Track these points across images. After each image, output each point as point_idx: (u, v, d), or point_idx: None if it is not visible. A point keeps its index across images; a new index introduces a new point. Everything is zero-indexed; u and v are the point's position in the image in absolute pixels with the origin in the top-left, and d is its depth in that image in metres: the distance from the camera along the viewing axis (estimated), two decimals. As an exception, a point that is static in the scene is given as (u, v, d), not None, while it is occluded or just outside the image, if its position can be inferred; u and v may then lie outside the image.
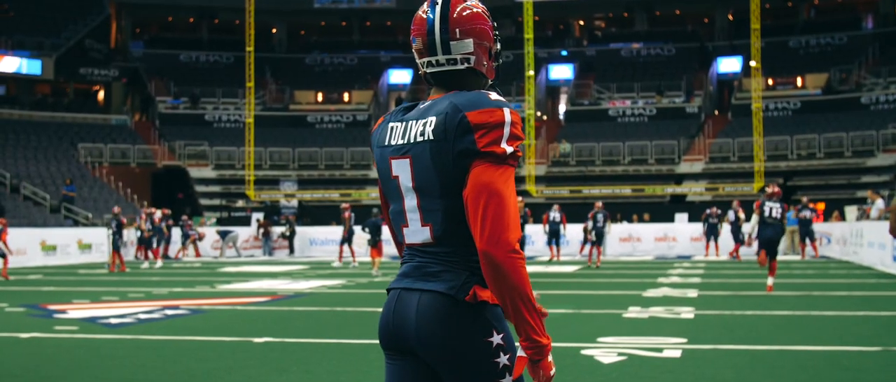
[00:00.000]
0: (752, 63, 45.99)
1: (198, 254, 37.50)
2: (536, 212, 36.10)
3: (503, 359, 3.08)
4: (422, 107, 3.22)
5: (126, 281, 22.57)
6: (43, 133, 47.21)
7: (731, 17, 57.62)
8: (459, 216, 3.08)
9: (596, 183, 46.10)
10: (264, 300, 16.99)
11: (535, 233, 34.63)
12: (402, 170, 3.18)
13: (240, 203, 46.65)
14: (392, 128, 3.25)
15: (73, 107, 52.09)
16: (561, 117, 56.78)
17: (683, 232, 36.36)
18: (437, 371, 3.15)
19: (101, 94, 55.20)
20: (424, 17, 3.24)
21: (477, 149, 3.00)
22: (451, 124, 3.03)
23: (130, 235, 34.42)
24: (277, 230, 39.44)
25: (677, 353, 9.58)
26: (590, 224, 28.08)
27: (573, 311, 14.06)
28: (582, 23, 62.37)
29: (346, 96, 56.40)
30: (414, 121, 3.17)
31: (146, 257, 31.42)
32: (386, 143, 3.24)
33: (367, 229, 25.00)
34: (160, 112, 52.91)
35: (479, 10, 3.25)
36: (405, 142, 3.17)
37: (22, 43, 49.27)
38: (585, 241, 32.80)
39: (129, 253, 34.52)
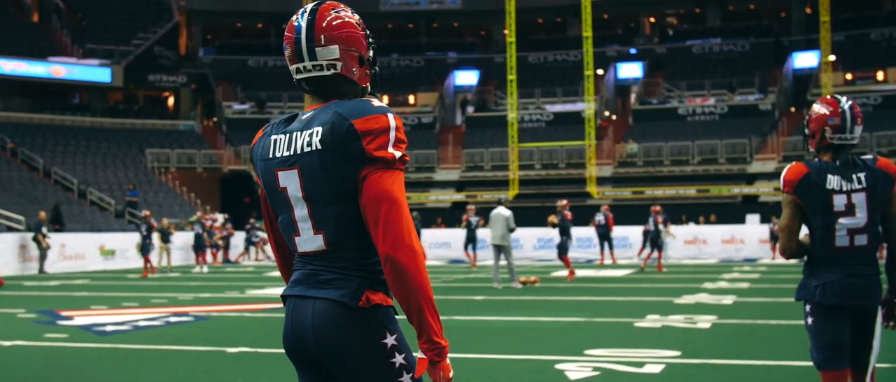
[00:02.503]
0: (832, 57, 44.49)
1: (257, 259, 37.49)
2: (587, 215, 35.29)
3: (399, 359, 3.19)
4: (303, 118, 3.29)
5: (160, 286, 22.46)
6: (112, 139, 47.75)
7: (808, 10, 55.96)
8: (351, 222, 3.18)
9: (663, 183, 45.09)
10: (279, 305, 16.62)
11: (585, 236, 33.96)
12: (289, 181, 3.25)
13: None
14: (275, 140, 3.31)
15: (142, 113, 52.63)
16: (629, 117, 55.68)
17: (752, 233, 35.20)
18: (338, 377, 3.24)
19: (170, 101, 55.71)
20: (295, 24, 3.33)
21: (366, 155, 3.11)
22: (339, 132, 3.13)
23: (185, 238, 34.46)
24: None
25: (658, 369, 8.98)
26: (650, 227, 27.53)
27: (584, 320, 13.50)
28: (653, 20, 61.27)
29: (411, 98, 56.12)
30: (298, 133, 3.24)
31: (197, 261, 31.40)
32: (270, 156, 3.30)
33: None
34: (227, 117, 53.18)
35: (349, 19, 3.34)
36: (291, 153, 3.23)
37: (93, 51, 49.91)
38: (644, 245, 32.12)
39: (178, 256, 34.56)
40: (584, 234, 35.13)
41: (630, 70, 56.69)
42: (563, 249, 23.01)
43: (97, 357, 10.65)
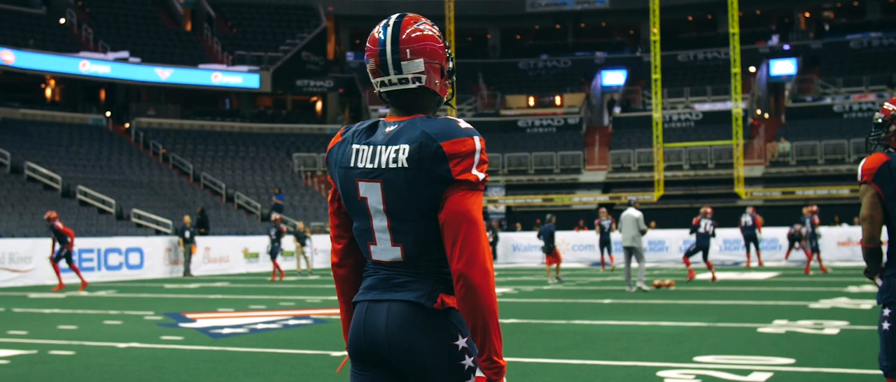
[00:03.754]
0: None
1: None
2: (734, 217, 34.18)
3: (468, 361, 3.25)
4: (388, 130, 3.32)
5: (293, 288, 22.64)
6: (260, 144, 48.72)
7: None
8: (430, 238, 3.25)
9: (816, 183, 43.39)
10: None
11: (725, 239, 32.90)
12: (371, 192, 3.29)
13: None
14: (358, 150, 3.34)
15: (290, 118, 53.57)
16: (782, 115, 53.85)
17: (911, 234, 33.49)
18: (407, 376, 3.29)
19: (318, 105, 56.55)
20: (378, 37, 3.36)
21: (452, 177, 3.17)
22: (426, 153, 3.19)
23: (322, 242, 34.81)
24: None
25: (764, 377, 8.43)
26: (803, 229, 26.60)
27: (706, 324, 12.92)
28: (808, 14, 59.16)
29: (557, 99, 55.57)
30: (383, 147, 3.28)
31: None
32: (352, 165, 3.34)
33: (541, 236, 24.16)
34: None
35: (431, 32, 3.39)
36: (375, 166, 3.28)
37: (242, 58, 51.03)
38: (791, 247, 31.03)
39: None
40: (730, 236, 34.15)
41: (783, 67, 54.83)
42: (702, 251, 22.34)
43: (201, 359, 10.66)
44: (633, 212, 19.50)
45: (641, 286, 19.18)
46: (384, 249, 3.33)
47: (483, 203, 3.26)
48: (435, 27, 3.42)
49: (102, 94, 49.86)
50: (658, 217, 39.46)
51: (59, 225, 22.54)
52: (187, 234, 29.43)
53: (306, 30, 54.69)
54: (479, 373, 3.24)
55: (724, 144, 45.24)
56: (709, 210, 23.38)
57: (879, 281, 5.04)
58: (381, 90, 3.39)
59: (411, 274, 3.30)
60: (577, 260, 35.17)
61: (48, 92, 49.18)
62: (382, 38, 3.35)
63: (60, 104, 48.43)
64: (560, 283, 22.60)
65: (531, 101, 56.14)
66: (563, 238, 36.59)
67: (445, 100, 3.52)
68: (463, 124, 3.27)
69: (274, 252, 27.54)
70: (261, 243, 34.16)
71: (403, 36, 3.34)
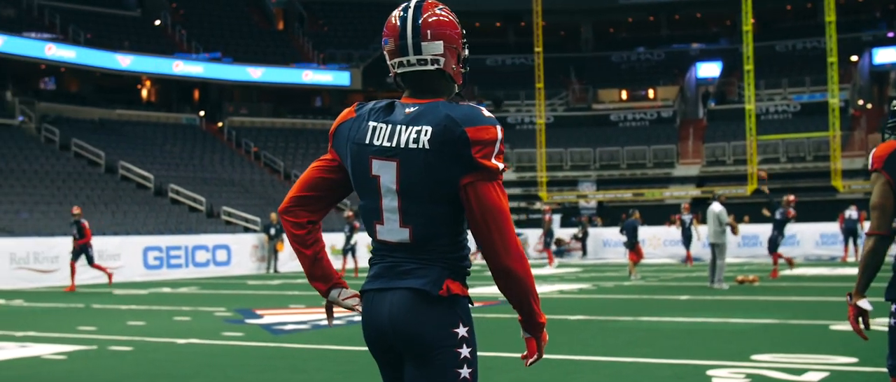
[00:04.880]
0: None
1: (475, 257, 37.40)
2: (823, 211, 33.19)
3: (465, 351, 3.28)
4: (408, 111, 3.31)
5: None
6: (351, 141, 48.93)
7: None
8: (442, 221, 3.27)
9: (920, 175, 41.92)
10: (476, 305, 16.28)
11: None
12: (385, 171, 3.28)
13: (537, 205, 46.28)
14: (375, 128, 3.33)
15: (381, 115, 53.73)
16: (886, 105, 52.18)
17: None
18: (407, 360, 3.31)
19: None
20: (396, 20, 3.37)
21: (473, 162, 3.17)
22: (450, 136, 3.18)
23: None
24: (570, 231, 38.80)
25: (818, 377, 8.04)
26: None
27: (777, 322, 12.48)
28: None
29: (650, 92, 54.76)
30: (403, 127, 3.27)
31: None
32: (367, 142, 3.32)
33: (624, 231, 23.75)
34: (464, 116, 53.49)
35: (449, 17, 3.40)
36: (393, 145, 3.26)
37: (333, 56, 51.37)
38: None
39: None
40: (827, 230, 33.23)
41: (888, 55, 53.11)
42: (773, 244, 21.66)
43: (253, 355, 10.62)
44: (714, 207, 19.01)
45: (718, 285, 18.59)
46: (391, 230, 3.32)
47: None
48: (452, 13, 3.43)
49: (196, 94, 50.68)
50: (753, 211, 38.52)
51: (85, 222, 22.26)
52: (273, 231, 29.65)
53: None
54: (526, 335, 3.40)
55: (822, 136, 44.04)
56: (792, 197, 22.64)
57: None
58: (398, 71, 3.39)
59: (418, 260, 3.30)
60: (668, 255, 34.56)
61: (144, 93, 50.16)
62: (404, 17, 3.36)
63: (155, 104, 49.38)
64: (642, 279, 22.15)
65: (624, 95, 55.42)
66: (653, 233, 36.06)
67: (459, 86, 3.50)
68: (486, 112, 3.28)
69: (347, 249, 27.60)
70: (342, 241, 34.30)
71: (425, 18, 3.35)
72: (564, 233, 38.97)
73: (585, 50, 59.68)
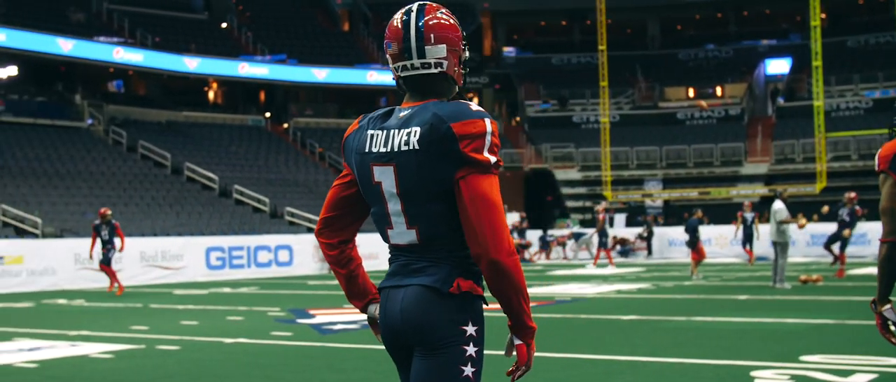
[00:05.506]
0: None
1: (548, 258, 37.25)
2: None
3: (471, 349, 3.28)
4: (401, 115, 3.36)
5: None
6: (416, 141, 48.89)
7: None
8: (444, 219, 3.28)
9: None
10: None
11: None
12: (385, 176, 3.33)
13: (603, 205, 45.87)
14: (372, 135, 3.39)
15: (446, 115, 53.70)
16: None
17: None
18: (416, 355, 3.33)
19: (475, 102, 56.51)
20: (399, 23, 3.40)
21: (462, 157, 3.18)
22: (437, 134, 3.20)
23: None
24: (635, 231, 38.43)
25: (865, 379, 7.78)
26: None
27: (832, 322, 12.22)
28: None
29: (718, 90, 54.03)
30: (396, 131, 3.32)
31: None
32: (367, 150, 3.38)
33: (687, 231, 23.41)
34: (529, 116, 53.29)
35: (451, 20, 3.45)
36: (388, 150, 3.31)
37: (397, 56, 51.40)
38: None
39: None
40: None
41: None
42: (832, 241, 21.20)
43: (297, 355, 10.61)
44: (774, 205, 18.64)
45: (780, 284, 18.18)
46: (400, 232, 3.37)
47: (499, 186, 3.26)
48: (454, 17, 3.48)
49: (262, 96, 51.08)
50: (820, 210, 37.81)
51: (117, 223, 21.71)
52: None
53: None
54: (518, 341, 3.32)
55: (889, 133, 43.02)
56: (853, 195, 22.10)
57: None
58: (402, 75, 3.43)
59: (428, 259, 3.33)
60: (734, 255, 34.01)
61: (211, 95, 50.70)
62: (407, 21, 3.39)
63: (221, 106, 49.87)
64: (703, 279, 21.79)
65: (691, 93, 54.73)
66: (720, 232, 35.53)
67: (459, 88, 3.53)
68: (474, 106, 3.28)
69: None
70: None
71: (428, 21, 3.38)
72: (629, 233, 38.60)
73: (652, 47, 59.09)
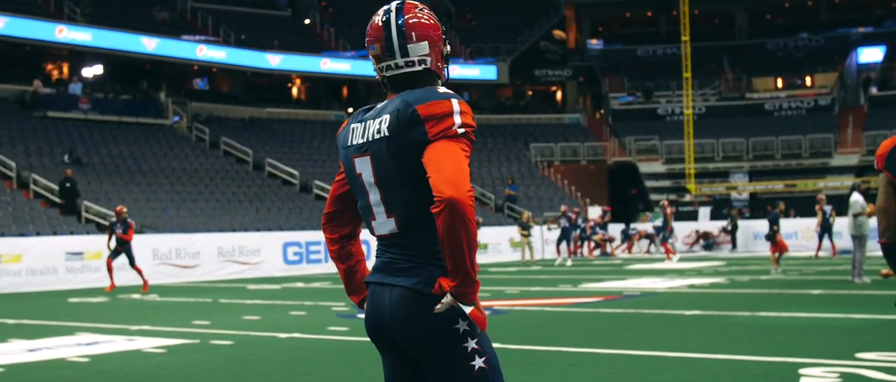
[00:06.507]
0: None
1: (630, 252, 36.81)
2: None
3: (471, 343, 3.31)
4: (379, 107, 3.43)
5: (496, 279, 22.35)
6: (498, 135, 48.74)
7: None
8: (420, 205, 3.28)
9: None
10: (594, 300, 15.92)
11: None
12: (364, 167, 3.40)
13: (688, 197, 45.19)
14: (353, 128, 3.48)
15: (528, 108, 53.42)
16: None
17: None
18: (418, 360, 3.39)
19: (558, 95, 56.15)
20: (381, 23, 3.43)
21: (428, 138, 3.22)
22: (404, 118, 3.26)
23: (548, 233, 34.34)
24: (719, 224, 37.78)
25: (917, 376, 7.39)
26: None
27: (888, 317, 11.65)
28: None
29: (807, 80, 52.77)
30: (371, 121, 3.39)
31: (556, 253, 31.13)
32: (349, 143, 3.47)
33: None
34: (613, 108, 52.69)
35: (430, 17, 3.48)
36: (364, 140, 3.40)
37: (480, 50, 51.32)
38: None
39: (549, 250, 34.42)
40: None
41: None
42: None
43: (346, 350, 10.61)
44: (852, 197, 18.12)
45: (858, 279, 17.57)
46: (382, 223, 3.42)
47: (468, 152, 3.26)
48: (433, 14, 3.51)
49: (345, 91, 51.34)
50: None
51: (132, 222, 21.23)
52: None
53: (545, 19, 54.39)
54: (468, 309, 3.22)
55: None
56: None
57: None
58: (386, 74, 3.46)
59: (411, 257, 3.35)
60: (825, 248, 33.15)
61: (294, 91, 51.11)
62: (387, 21, 3.42)
63: (304, 102, 50.24)
64: (781, 273, 21.24)
65: (779, 83, 53.56)
66: (807, 225, 34.72)
67: (442, 82, 3.54)
68: (441, 89, 3.33)
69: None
70: (491, 234, 34.17)
71: (409, 20, 3.42)
72: (713, 226, 37.94)
73: (740, 37, 57.96)
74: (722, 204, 42.73)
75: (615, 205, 44.33)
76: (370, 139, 3.36)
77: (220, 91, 47.99)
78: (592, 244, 35.95)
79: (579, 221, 34.56)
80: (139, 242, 25.09)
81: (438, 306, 3.25)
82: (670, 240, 28.92)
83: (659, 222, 39.48)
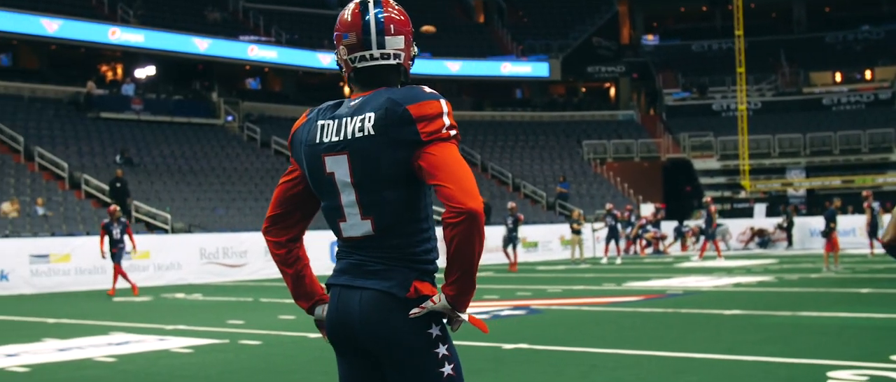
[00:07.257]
0: None
1: (684, 249, 36.33)
2: None
3: (442, 349, 3.26)
4: (352, 104, 3.34)
5: (539, 278, 22.13)
6: (550, 132, 48.45)
7: None
8: (401, 208, 3.26)
9: None
10: (635, 299, 15.67)
11: None
12: (338, 166, 3.30)
13: (743, 194, 44.56)
14: (322, 125, 3.36)
15: (581, 105, 53.01)
16: None
17: None
18: (383, 364, 3.31)
19: (611, 91, 55.67)
20: (357, 14, 3.40)
21: (420, 139, 3.18)
22: (393, 117, 3.19)
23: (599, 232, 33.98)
24: (774, 221, 37.19)
25: (950, 380, 7.10)
26: None
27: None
28: None
29: (867, 74, 51.77)
30: (348, 118, 3.29)
31: (605, 252, 30.76)
32: (317, 141, 3.35)
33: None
34: (667, 104, 52.11)
35: (404, 14, 3.45)
36: (341, 138, 3.28)
37: (532, 47, 51.04)
38: None
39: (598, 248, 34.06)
40: None
41: None
42: None
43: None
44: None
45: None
46: (354, 224, 3.32)
47: None
48: (404, 11, 3.49)
49: (399, 89, 51.31)
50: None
51: (128, 221, 20.62)
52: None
53: (598, 15, 53.95)
54: (465, 315, 3.26)
55: None
56: None
57: None
58: (359, 65, 3.39)
59: (382, 259, 3.28)
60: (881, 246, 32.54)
61: (346, 90, 51.17)
62: (364, 12, 3.39)
63: (356, 101, 50.26)
64: (832, 272, 20.79)
65: (838, 77, 52.60)
66: (864, 222, 33.99)
67: (404, 80, 3.50)
68: (427, 89, 3.30)
69: (507, 241, 27.24)
70: (540, 232, 33.93)
71: (387, 13, 3.40)
72: (769, 223, 37.34)
73: (798, 31, 57.04)
74: (778, 201, 42.08)
75: (669, 203, 43.86)
76: (349, 137, 3.27)
77: (272, 91, 48.21)
78: (644, 242, 35.57)
79: (632, 219, 34.22)
80: (186, 241, 25.29)
81: (416, 310, 3.22)
82: (717, 237, 28.46)
83: (702, 222, 39.09)
